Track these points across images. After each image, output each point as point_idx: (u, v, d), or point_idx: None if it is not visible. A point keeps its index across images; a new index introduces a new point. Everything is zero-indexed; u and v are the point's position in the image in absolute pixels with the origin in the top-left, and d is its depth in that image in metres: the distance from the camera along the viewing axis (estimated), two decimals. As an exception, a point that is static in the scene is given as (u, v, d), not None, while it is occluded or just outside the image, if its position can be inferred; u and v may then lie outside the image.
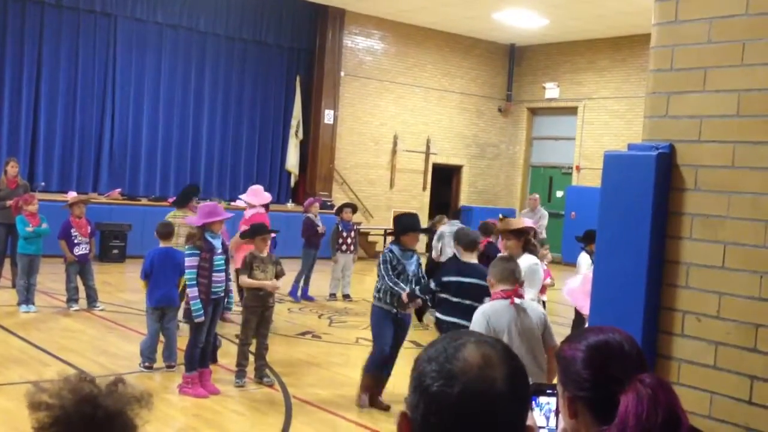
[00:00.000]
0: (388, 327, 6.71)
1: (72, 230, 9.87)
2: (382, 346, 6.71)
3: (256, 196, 10.09)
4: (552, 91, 20.56)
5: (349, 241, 12.20)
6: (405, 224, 6.82)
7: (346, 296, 12.29)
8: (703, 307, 3.12)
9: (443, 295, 6.12)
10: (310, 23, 18.37)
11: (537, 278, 6.46)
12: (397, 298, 6.58)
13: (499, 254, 6.26)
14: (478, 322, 4.60)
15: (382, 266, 6.66)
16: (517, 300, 4.63)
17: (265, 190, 10.69)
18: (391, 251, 6.71)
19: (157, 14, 16.42)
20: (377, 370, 6.77)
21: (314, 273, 12.20)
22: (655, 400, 1.75)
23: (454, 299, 6.01)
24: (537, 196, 16.18)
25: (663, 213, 3.24)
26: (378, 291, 6.73)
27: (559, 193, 20.07)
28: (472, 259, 6.30)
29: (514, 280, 4.72)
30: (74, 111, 15.80)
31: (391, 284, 6.57)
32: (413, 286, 6.60)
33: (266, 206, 10.17)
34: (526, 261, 6.33)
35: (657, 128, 3.33)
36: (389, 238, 16.42)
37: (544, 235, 14.74)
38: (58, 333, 8.79)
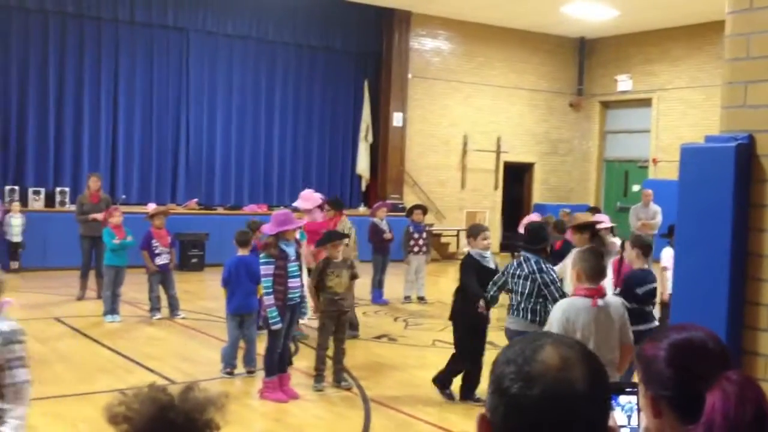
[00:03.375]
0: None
1: (153, 241, 10.14)
2: None
3: (304, 200, 9.63)
4: (624, 83, 20.14)
5: (420, 242, 12.17)
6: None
7: (420, 298, 12.28)
8: (791, 300, 3.02)
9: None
10: (377, 27, 18.47)
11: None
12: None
13: (588, 247, 5.68)
14: (556, 318, 4.53)
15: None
16: (599, 301, 4.52)
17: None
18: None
19: (227, 26, 16.76)
20: None
21: (388, 276, 12.23)
22: (743, 397, 1.70)
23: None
24: (650, 191, 14.90)
25: (744, 205, 3.15)
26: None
27: (636, 188, 19.63)
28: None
29: (600, 278, 4.64)
30: (151, 125, 16.26)
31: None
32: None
33: (322, 208, 9.76)
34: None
35: (735, 118, 3.24)
36: (462, 239, 16.37)
37: (655, 231, 13.83)
38: (142, 341, 9.05)
